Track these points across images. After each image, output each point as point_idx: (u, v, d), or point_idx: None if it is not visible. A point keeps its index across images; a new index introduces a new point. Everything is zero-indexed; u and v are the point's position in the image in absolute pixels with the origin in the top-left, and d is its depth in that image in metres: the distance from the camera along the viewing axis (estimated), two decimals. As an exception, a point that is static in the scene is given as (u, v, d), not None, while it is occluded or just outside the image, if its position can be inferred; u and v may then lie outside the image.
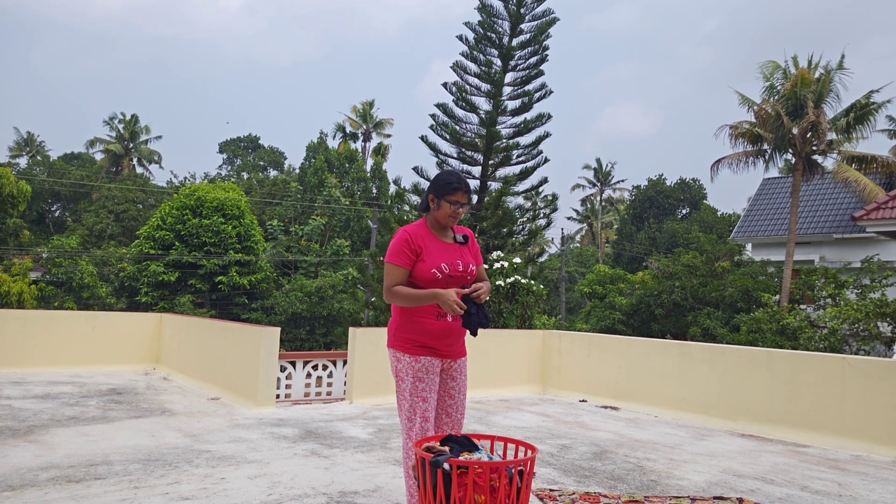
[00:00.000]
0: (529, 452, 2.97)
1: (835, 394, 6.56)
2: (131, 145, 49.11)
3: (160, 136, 51.27)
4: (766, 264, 23.38)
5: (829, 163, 21.87)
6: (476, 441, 3.10)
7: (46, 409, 6.67)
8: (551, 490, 4.42)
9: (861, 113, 20.27)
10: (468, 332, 3.29)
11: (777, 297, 20.18)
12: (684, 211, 49.77)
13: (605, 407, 8.23)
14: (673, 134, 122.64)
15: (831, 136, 20.90)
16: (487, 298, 3.41)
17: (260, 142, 59.00)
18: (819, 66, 21.07)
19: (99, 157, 49.96)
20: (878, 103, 20.33)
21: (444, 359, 3.39)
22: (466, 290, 3.22)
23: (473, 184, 18.46)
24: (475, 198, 18.17)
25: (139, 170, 49.46)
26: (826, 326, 16.10)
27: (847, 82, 26.94)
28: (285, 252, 32.91)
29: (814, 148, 20.63)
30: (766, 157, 21.71)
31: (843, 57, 22.18)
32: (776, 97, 21.08)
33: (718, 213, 45.67)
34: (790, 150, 20.88)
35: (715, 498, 4.39)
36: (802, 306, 18.69)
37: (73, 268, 27.68)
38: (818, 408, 6.65)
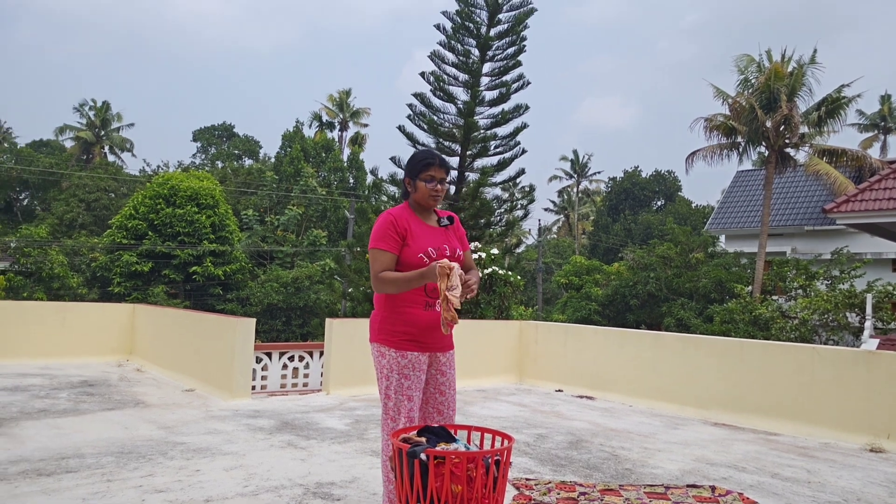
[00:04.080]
0: (506, 442, 2.98)
1: (805, 383, 6.68)
2: (102, 133, 48.18)
3: (132, 124, 50.38)
4: (739, 256, 23.74)
5: (801, 156, 22.22)
6: (453, 432, 3.10)
7: (15, 401, 6.54)
8: (527, 479, 4.45)
9: (832, 107, 20.60)
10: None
11: (749, 287, 20.50)
12: (659, 203, 50.29)
13: (581, 396, 8.30)
14: (650, 126, 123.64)
15: (803, 129, 21.22)
16: (476, 290, 3.18)
17: (234, 130, 58.24)
18: (792, 60, 21.35)
19: (69, 144, 48.95)
20: (848, 98, 20.68)
21: (432, 352, 3.22)
22: (458, 271, 2.95)
23: (451, 175, 18.42)
24: (452, 188, 18.14)
25: (111, 158, 48.58)
26: (797, 317, 16.39)
27: (820, 76, 27.41)
28: (261, 242, 32.61)
29: (786, 141, 20.94)
30: (740, 149, 21.98)
31: (815, 51, 22.49)
32: (750, 90, 21.33)
33: (693, 205, 46.23)
34: (763, 143, 21.18)
35: (688, 486, 4.45)
36: (774, 297, 19.02)
37: (43, 258, 27.13)
38: (789, 397, 6.78)
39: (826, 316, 15.83)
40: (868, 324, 14.63)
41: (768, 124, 20.55)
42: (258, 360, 8.37)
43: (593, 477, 4.63)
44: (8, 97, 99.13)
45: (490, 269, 12.23)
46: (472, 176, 18.34)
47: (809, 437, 6.41)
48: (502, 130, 18.05)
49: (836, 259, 19.63)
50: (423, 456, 2.71)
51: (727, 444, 5.97)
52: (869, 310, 14.92)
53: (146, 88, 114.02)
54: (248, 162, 52.67)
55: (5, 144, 48.98)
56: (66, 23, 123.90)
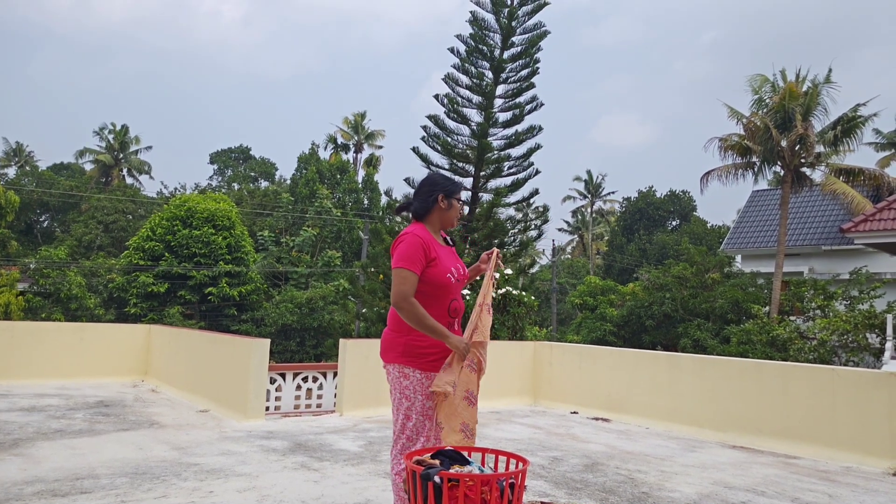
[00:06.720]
0: (520, 465, 2.95)
1: (825, 405, 6.58)
2: (121, 156, 48.91)
3: (150, 147, 51.01)
4: (756, 276, 23.50)
5: (817, 175, 22.06)
6: (466, 454, 3.08)
7: (32, 421, 6.58)
8: (542, 502, 4.40)
9: (848, 126, 20.48)
10: None
11: (767, 308, 20.27)
12: (674, 223, 50.03)
13: (597, 419, 8.22)
14: (664, 146, 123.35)
15: (819, 148, 21.10)
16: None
17: (251, 153, 58.94)
18: (807, 79, 21.29)
19: (88, 167, 49.75)
20: (864, 116, 20.55)
21: None
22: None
23: (465, 195, 18.49)
24: (466, 209, 18.20)
25: (129, 180, 49.22)
26: (815, 338, 16.17)
27: (836, 96, 27.19)
28: (276, 263, 32.78)
29: (802, 160, 20.81)
30: (755, 169, 21.88)
31: (830, 71, 22.42)
32: (765, 110, 21.28)
33: (708, 225, 45.94)
34: (779, 163, 21.06)
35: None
36: (792, 318, 18.78)
37: (62, 279, 27.45)
38: (808, 419, 6.67)
39: (845, 337, 15.60)
40: (889, 345, 14.36)
41: (783, 144, 20.46)
42: (272, 381, 8.38)
43: (609, 500, 4.57)
44: (31, 121, 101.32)
45: (504, 290, 12.20)
46: (485, 196, 18.38)
47: (830, 460, 6.29)
48: (516, 151, 18.11)
49: (855, 279, 19.38)
50: (436, 478, 2.69)
51: (746, 467, 5.87)
52: (890, 331, 14.67)
53: (164, 112, 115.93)
54: (264, 184, 53.20)
55: (27, 168, 49.84)
56: (87, 49, 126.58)
